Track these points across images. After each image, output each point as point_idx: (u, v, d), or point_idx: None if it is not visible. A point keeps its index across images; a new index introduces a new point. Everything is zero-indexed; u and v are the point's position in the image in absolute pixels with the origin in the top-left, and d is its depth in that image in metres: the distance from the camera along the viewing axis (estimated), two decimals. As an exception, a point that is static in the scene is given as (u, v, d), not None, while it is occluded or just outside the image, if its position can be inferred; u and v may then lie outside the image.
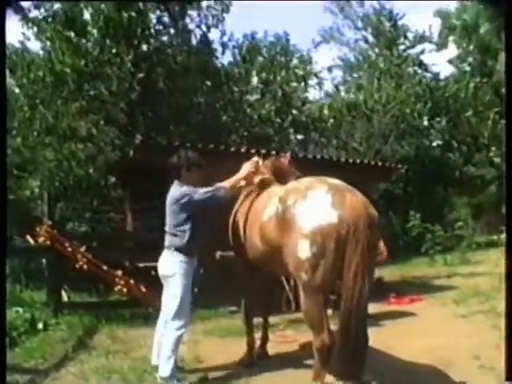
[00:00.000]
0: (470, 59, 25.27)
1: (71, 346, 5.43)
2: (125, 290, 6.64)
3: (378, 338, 4.92)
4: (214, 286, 6.48)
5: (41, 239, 6.40)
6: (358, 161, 9.38)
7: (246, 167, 4.67)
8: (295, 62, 16.06)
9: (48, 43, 8.20)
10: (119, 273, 6.71)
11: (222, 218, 5.16)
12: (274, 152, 7.97)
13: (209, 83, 11.10)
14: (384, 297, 8.31)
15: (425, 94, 19.80)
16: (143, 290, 6.76)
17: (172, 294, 4.30)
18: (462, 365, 4.58)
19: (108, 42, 8.32)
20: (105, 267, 6.66)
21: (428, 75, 24.99)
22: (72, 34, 8.00)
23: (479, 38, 24.10)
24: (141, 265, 7.69)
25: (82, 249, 6.61)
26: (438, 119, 21.68)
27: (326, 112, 14.14)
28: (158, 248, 8.08)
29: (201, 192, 4.31)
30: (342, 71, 26.77)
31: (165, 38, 10.68)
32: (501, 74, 21.83)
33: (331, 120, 14.29)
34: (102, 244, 7.86)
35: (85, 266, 6.45)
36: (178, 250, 4.29)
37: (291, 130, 13.99)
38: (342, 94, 18.18)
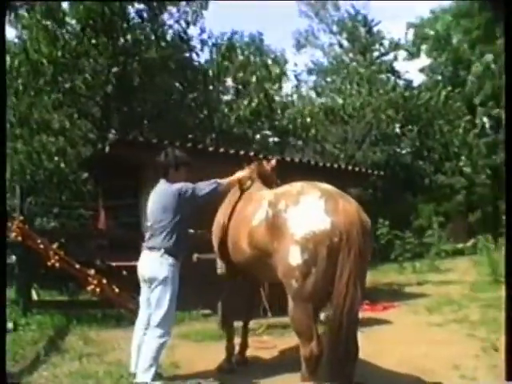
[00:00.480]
0: (442, 69, 25.84)
1: (43, 348, 5.24)
2: (97, 290, 6.47)
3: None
4: (187, 289, 6.40)
5: (12, 235, 6.17)
6: (342, 166, 9.58)
7: (246, 171, 4.73)
8: (270, 62, 16.06)
9: (24, 31, 7.92)
10: (92, 272, 6.52)
11: (203, 218, 5.12)
12: (252, 153, 7.95)
13: (185, 80, 10.91)
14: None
15: (397, 101, 20.14)
16: (116, 290, 6.61)
17: (158, 300, 4.12)
18: (442, 375, 4.61)
19: (87, 33, 8.05)
20: (77, 266, 6.47)
21: (401, 82, 25.52)
22: (50, 24, 7.71)
23: (452, 49, 24.68)
24: (113, 264, 7.53)
25: (54, 246, 6.40)
26: (410, 127, 22.06)
27: (308, 120, 14.15)
28: (131, 247, 8.06)
29: (201, 186, 4.28)
30: (316, 75, 26.99)
31: (142, 33, 10.48)
32: (474, 84, 22.44)
33: (312, 130, 14.31)
34: (71, 241, 7.64)
35: (57, 264, 6.26)
36: (169, 252, 4.14)
37: (269, 133, 13.96)
38: (314, 97, 18.26)
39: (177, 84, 11.06)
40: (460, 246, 18.85)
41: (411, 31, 26.60)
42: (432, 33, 26.17)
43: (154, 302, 4.15)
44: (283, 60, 17.20)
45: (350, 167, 9.64)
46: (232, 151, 7.68)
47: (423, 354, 5.28)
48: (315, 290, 3.51)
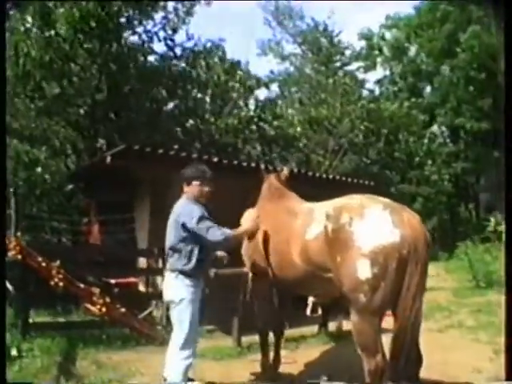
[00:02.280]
0: (399, 80, 26.67)
1: (58, 376, 4.93)
2: (103, 310, 6.19)
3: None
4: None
5: (10, 253, 5.80)
6: (348, 178, 10.00)
7: (248, 219, 4.48)
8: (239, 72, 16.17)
9: (12, 34, 7.53)
10: (97, 291, 6.24)
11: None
12: (254, 165, 7.90)
13: (174, 88, 10.77)
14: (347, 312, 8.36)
15: (362, 111, 20.63)
16: (122, 310, 6.36)
17: (178, 322, 4.03)
18: (469, 379, 4.78)
19: (79, 37, 7.75)
20: (82, 285, 6.18)
21: (365, 92, 26.16)
22: (41, 27, 7.39)
23: (410, 60, 25.55)
24: (113, 281, 7.29)
25: (56, 264, 6.08)
26: (375, 138, 22.63)
27: (298, 129, 14.25)
28: (127, 264, 7.84)
29: (201, 226, 3.99)
30: (280, 85, 27.21)
31: (134, 39, 10.32)
32: (436, 96, 23.30)
33: (304, 140, 14.47)
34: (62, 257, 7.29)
35: (60, 284, 5.94)
36: (184, 273, 4.01)
37: (257, 143, 14.00)
38: (298, 107, 18.46)
39: (164, 92, 10.86)
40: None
41: (362, 42, 27.40)
42: (383, 43, 27.01)
43: (175, 324, 4.07)
44: (246, 70, 17.21)
45: (350, 179, 9.96)
46: (235, 162, 7.60)
47: (443, 361, 5.37)
48: (383, 303, 3.53)
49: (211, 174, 4.24)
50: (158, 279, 7.41)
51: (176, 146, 9.00)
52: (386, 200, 3.82)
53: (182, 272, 4.01)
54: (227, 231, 4.08)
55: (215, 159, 7.38)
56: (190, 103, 12.26)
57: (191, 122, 11.82)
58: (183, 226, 4.01)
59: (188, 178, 4.16)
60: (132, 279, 7.80)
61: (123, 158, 6.75)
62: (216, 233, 3.97)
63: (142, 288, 7.94)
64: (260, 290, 4.89)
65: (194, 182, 4.15)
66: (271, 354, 5.11)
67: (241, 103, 13.38)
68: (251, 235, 4.58)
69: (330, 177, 9.91)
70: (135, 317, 6.66)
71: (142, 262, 8.02)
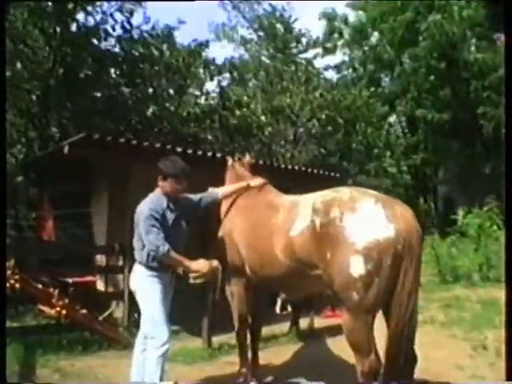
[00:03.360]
0: (357, 66, 26.99)
1: (16, 386, 4.72)
2: (63, 312, 5.96)
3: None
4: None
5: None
6: (310, 169, 9.74)
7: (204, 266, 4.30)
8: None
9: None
10: (56, 292, 6.00)
11: (198, 229, 4.97)
12: (209, 154, 7.81)
13: (132, 74, 10.51)
14: (319, 310, 8.43)
15: (322, 100, 20.79)
16: (83, 311, 6.16)
17: (142, 311, 4.20)
18: (449, 376, 4.96)
19: (34, 15, 7.37)
20: (39, 285, 5.94)
21: (321, 81, 26.30)
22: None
23: (370, 47, 25.87)
24: (70, 280, 7.07)
25: (11, 263, 5.79)
26: (332, 128, 22.84)
27: (263, 118, 14.19)
28: (84, 261, 7.60)
29: (146, 224, 4.07)
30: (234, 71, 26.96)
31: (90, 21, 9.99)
32: (396, 86, 23.74)
33: (269, 128, 14.44)
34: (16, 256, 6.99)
35: (17, 285, 5.66)
36: (143, 264, 4.16)
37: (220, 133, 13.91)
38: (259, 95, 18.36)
39: (122, 79, 10.59)
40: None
41: (323, 22, 27.46)
42: (344, 27, 27.23)
43: (142, 315, 4.21)
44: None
45: (315, 170, 9.90)
46: (200, 153, 7.50)
47: (423, 358, 5.46)
48: (377, 300, 3.56)
49: (189, 171, 4.26)
50: (119, 277, 7.32)
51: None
52: (376, 193, 3.86)
53: (139, 262, 4.18)
54: (171, 254, 4.05)
55: (179, 149, 7.23)
56: (149, 90, 12.08)
57: (150, 110, 11.54)
58: (137, 216, 4.15)
59: (166, 174, 4.17)
60: (90, 278, 7.59)
61: (82, 148, 6.50)
62: (152, 243, 4.02)
63: (100, 287, 7.76)
64: (236, 289, 4.81)
65: (169, 179, 4.17)
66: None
67: (203, 91, 13.29)
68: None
69: (296, 168, 9.87)
70: (96, 319, 6.47)
71: (101, 259, 7.86)
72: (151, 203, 4.11)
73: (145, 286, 4.14)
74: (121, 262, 7.03)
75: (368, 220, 3.56)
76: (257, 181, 4.87)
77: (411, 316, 3.55)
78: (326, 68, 27.96)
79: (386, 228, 3.50)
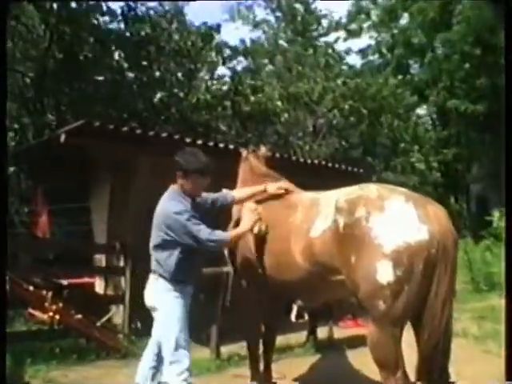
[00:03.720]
0: (385, 51, 26.73)
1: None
2: (57, 317, 5.94)
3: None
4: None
5: None
6: (330, 164, 9.88)
7: (249, 217, 4.33)
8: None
9: None
10: (49, 296, 5.98)
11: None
12: (222, 145, 7.77)
13: (138, 57, 10.51)
14: (338, 319, 8.35)
15: (346, 88, 20.64)
16: (79, 316, 6.14)
17: (161, 333, 3.99)
18: None
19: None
20: (31, 287, 5.92)
21: (344, 68, 26.15)
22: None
23: (401, 30, 25.60)
24: (65, 282, 7.06)
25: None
26: (356, 119, 22.67)
27: (279, 104, 14.11)
28: (82, 261, 7.59)
29: (192, 225, 3.88)
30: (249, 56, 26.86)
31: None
32: (426, 74, 23.52)
33: (285, 114, 14.38)
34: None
35: (7, 286, 5.63)
36: (165, 276, 3.97)
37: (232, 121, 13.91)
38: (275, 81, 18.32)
39: (126, 62, 10.59)
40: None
41: (348, 1, 27.24)
42: (372, 8, 26.97)
43: (160, 337, 4.01)
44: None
45: (336, 165, 10.10)
46: (211, 143, 7.51)
47: (454, 373, 5.37)
48: (406, 310, 3.46)
49: (213, 167, 4.10)
50: (119, 279, 7.32)
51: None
52: (406, 191, 3.76)
53: (162, 276, 3.97)
54: (222, 234, 4.07)
55: (188, 139, 7.19)
56: (156, 74, 12.06)
57: (157, 96, 11.65)
58: (169, 222, 3.91)
59: (187, 170, 3.98)
60: (87, 279, 7.58)
61: (80, 137, 6.47)
62: (210, 234, 3.92)
63: (99, 290, 7.77)
64: (249, 295, 4.77)
65: (191, 176, 4.00)
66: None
67: (215, 75, 13.26)
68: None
69: (315, 162, 9.83)
70: (94, 324, 6.45)
71: (100, 259, 7.86)
72: (175, 206, 3.94)
73: (168, 305, 3.96)
74: (122, 263, 7.01)
75: (398, 220, 3.46)
76: (275, 186, 4.67)
77: (446, 328, 3.46)
78: (348, 51, 27.80)
79: (418, 229, 3.41)
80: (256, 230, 4.31)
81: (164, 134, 7.43)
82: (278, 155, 8.87)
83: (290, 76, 19.08)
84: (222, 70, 17.57)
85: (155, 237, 3.99)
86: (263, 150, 5.35)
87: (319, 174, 9.13)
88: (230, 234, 4.21)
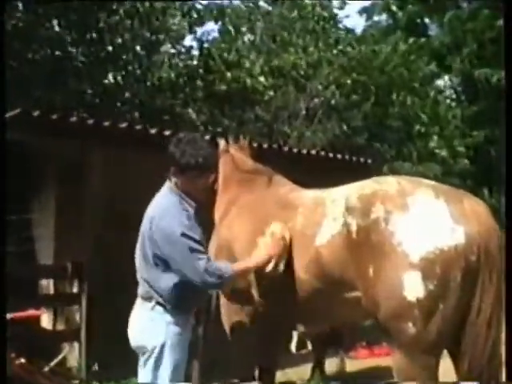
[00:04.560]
0: (394, 8, 26.74)
1: None
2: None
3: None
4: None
5: None
6: (330, 154, 10.01)
7: (270, 247, 4.07)
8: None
9: None
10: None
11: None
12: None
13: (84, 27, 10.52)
14: (349, 347, 8.39)
15: (346, 59, 20.65)
16: (21, 361, 6.09)
17: (153, 379, 3.73)
18: None
19: None
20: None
21: (341, 33, 26.13)
22: None
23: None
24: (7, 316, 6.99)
25: None
26: (357, 97, 22.67)
27: (261, 80, 14.05)
28: (23, 289, 7.52)
29: (198, 265, 3.60)
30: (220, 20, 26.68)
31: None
32: (447, 36, 23.59)
33: (270, 92, 14.30)
34: None
35: None
36: (162, 304, 3.71)
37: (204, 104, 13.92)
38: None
39: (68, 34, 10.55)
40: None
41: None
42: None
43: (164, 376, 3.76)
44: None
45: (338, 155, 10.20)
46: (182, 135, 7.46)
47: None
48: (442, 334, 3.49)
49: (216, 159, 4.09)
50: (73, 310, 7.32)
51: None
52: (434, 183, 3.83)
53: (160, 303, 3.71)
54: (227, 269, 3.76)
55: (153, 131, 7.19)
56: (108, 49, 12.05)
57: (110, 77, 11.48)
58: (170, 245, 3.65)
59: (183, 165, 3.76)
60: (31, 312, 7.51)
61: (16, 129, 6.39)
62: (210, 264, 3.68)
63: (47, 325, 7.71)
64: (238, 320, 4.79)
65: (189, 172, 3.79)
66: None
67: (181, 48, 13.15)
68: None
69: (312, 152, 9.89)
70: (41, 370, 6.41)
71: (47, 285, 7.83)
72: (180, 221, 3.67)
73: (168, 345, 3.69)
74: (75, 289, 6.99)
75: (426, 221, 3.50)
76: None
77: (492, 354, 3.48)
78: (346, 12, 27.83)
79: (453, 231, 3.44)
80: (271, 267, 4.03)
81: (123, 125, 7.42)
82: (265, 146, 8.92)
83: (274, 46, 19.06)
84: (189, 42, 17.49)
85: (146, 250, 3.74)
86: (242, 140, 5.49)
87: (316, 167, 9.22)
88: (233, 267, 3.84)
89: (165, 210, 3.72)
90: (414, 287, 3.43)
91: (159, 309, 3.70)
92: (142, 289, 3.82)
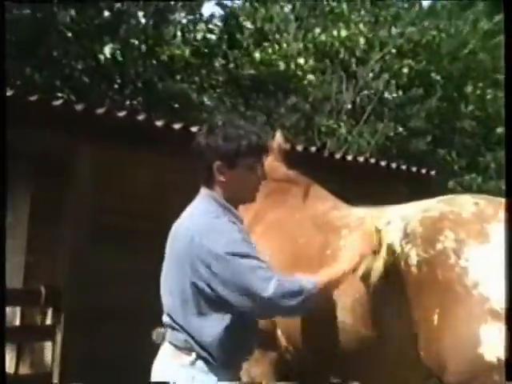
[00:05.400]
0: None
1: None
2: None
3: None
4: None
5: None
6: (383, 163, 10.06)
7: (362, 248, 3.90)
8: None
9: None
10: None
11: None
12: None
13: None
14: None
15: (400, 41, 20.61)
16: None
17: None
18: None
19: None
20: None
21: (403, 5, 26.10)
22: None
23: None
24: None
25: None
26: (415, 90, 22.63)
27: (301, 61, 14.14)
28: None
29: (266, 285, 3.32)
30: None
31: None
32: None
33: (310, 76, 14.39)
34: None
35: None
36: (204, 358, 3.51)
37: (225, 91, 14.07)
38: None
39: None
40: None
41: None
42: None
43: None
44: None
45: (392, 164, 10.35)
46: (193, 129, 7.58)
47: None
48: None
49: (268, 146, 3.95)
50: (44, 347, 7.35)
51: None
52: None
53: (203, 357, 3.52)
54: (308, 282, 3.48)
55: (158, 123, 7.22)
56: (105, 14, 12.24)
57: (106, 51, 11.56)
58: (215, 267, 3.40)
59: (232, 152, 3.53)
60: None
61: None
62: (281, 283, 3.39)
63: (8, 368, 7.66)
64: (259, 370, 4.70)
65: (243, 160, 3.58)
66: None
67: (198, 17, 13.19)
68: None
69: (360, 160, 9.93)
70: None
71: (13, 315, 7.87)
72: (227, 229, 3.48)
73: None
74: (49, 320, 6.97)
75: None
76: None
77: None
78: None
79: (544, 272, 3.43)
80: (361, 272, 3.90)
81: (120, 114, 7.48)
82: (299, 148, 8.90)
83: (316, 21, 19.14)
84: (208, 9, 17.66)
85: (184, 283, 3.52)
86: (279, 137, 5.44)
87: (364, 178, 9.37)
88: (316, 279, 3.53)
89: (207, 225, 3.50)
90: (494, 343, 3.37)
91: (202, 366, 3.52)
92: (174, 335, 3.61)
